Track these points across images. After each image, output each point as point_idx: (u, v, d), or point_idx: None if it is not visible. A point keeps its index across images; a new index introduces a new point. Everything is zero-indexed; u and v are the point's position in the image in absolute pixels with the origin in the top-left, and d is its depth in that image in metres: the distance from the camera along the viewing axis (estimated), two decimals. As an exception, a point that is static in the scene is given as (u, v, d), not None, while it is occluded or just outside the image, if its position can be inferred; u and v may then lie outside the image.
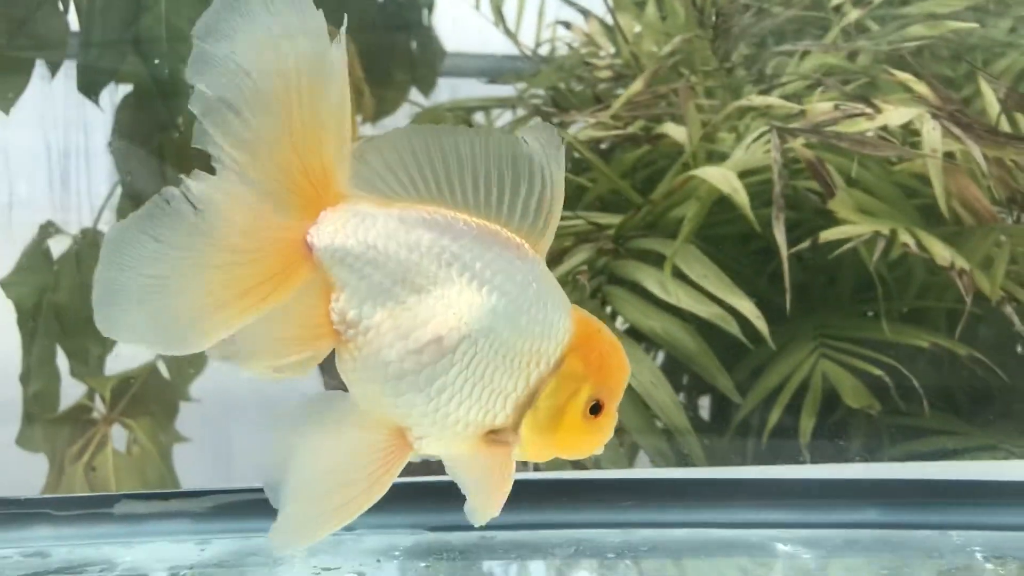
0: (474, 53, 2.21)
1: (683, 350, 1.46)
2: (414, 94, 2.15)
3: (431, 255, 0.67)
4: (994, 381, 1.63)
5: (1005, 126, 1.71)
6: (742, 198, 1.46)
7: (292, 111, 0.65)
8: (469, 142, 0.67)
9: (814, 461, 1.52)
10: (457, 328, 0.67)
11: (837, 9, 1.97)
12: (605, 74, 2.17)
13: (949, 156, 1.58)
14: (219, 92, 0.65)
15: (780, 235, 1.45)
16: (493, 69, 2.19)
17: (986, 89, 1.94)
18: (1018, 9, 1.99)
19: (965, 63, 2.02)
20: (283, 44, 0.65)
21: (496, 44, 2.13)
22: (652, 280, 1.51)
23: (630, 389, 1.45)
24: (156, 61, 2.02)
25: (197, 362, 2.38)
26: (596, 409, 0.71)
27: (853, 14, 1.95)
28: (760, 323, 1.46)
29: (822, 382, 1.54)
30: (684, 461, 1.50)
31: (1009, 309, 1.54)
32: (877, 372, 1.51)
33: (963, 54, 1.98)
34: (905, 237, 1.51)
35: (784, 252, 1.44)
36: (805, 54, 1.88)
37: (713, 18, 1.89)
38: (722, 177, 1.48)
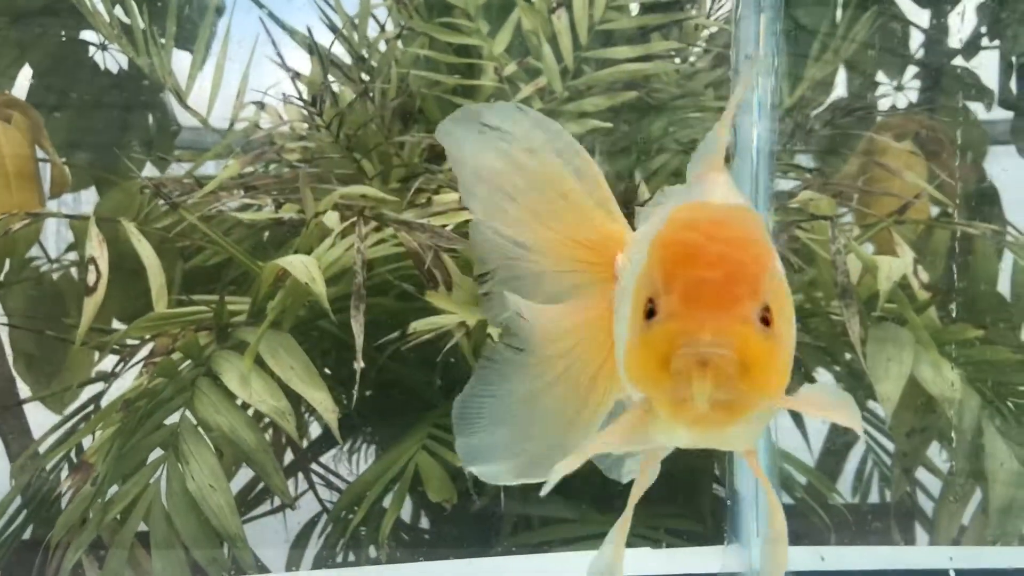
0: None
1: (242, 447, 1.41)
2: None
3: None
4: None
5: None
6: (319, 288, 1.44)
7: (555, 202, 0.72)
8: None
9: (392, 559, 1.48)
10: None
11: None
12: (294, 156, 2.16)
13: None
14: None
15: (357, 329, 1.42)
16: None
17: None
18: (675, 111, 2.04)
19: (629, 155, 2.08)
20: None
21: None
22: (235, 372, 1.46)
23: (187, 495, 1.40)
24: None
25: None
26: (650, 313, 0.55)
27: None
28: (331, 416, 1.42)
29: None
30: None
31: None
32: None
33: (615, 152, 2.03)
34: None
35: (359, 344, 1.41)
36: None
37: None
38: (302, 266, 1.46)
